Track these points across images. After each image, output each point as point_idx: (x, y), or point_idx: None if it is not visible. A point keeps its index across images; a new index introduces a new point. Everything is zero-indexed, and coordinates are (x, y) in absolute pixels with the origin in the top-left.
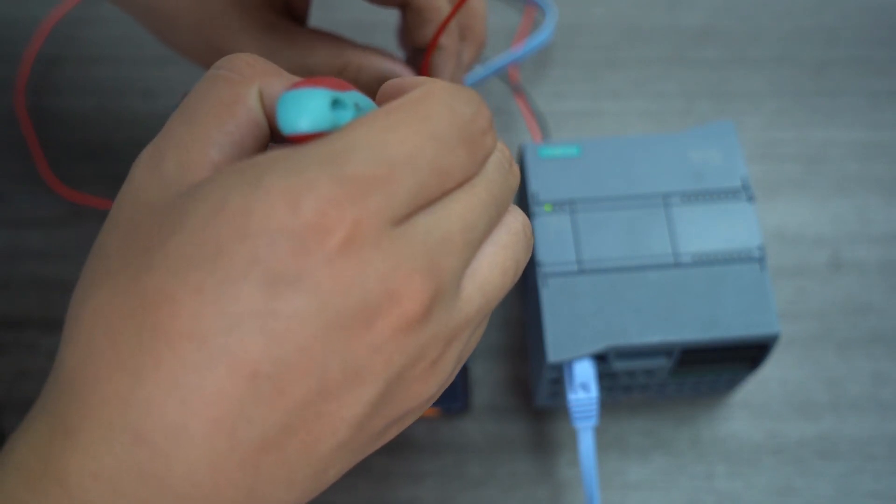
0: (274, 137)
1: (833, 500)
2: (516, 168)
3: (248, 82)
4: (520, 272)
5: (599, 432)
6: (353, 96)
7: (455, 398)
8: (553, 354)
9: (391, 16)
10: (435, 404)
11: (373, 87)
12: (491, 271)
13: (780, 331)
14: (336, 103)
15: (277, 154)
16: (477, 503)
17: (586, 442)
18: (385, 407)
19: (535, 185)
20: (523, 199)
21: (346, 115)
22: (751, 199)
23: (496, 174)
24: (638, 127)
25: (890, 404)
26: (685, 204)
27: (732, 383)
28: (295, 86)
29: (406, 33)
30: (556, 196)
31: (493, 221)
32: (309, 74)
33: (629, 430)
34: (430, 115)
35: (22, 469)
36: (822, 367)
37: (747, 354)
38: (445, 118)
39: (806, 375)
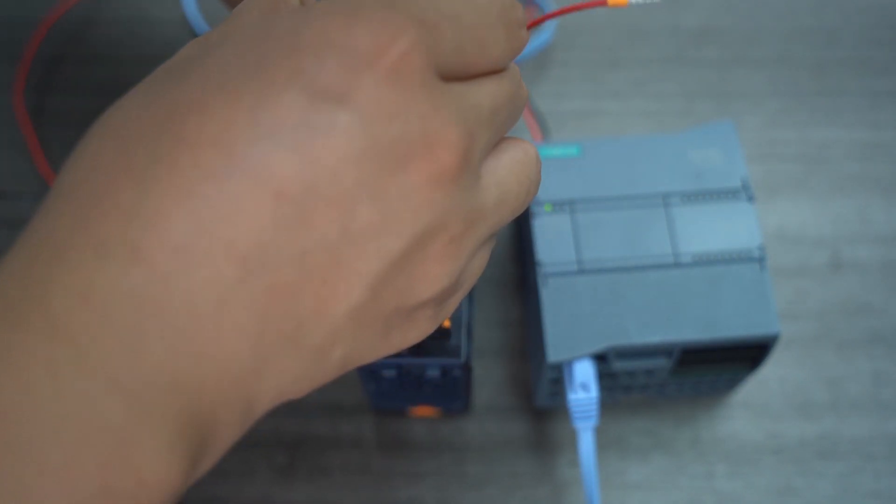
0: None
1: (833, 500)
2: (525, 88)
3: None
4: (532, 194)
5: (599, 432)
6: None
7: (456, 398)
8: (553, 354)
9: None
10: (436, 404)
11: None
12: (508, 175)
13: (780, 331)
14: None
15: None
16: (477, 503)
17: (586, 442)
18: (400, 277)
19: None
20: None
21: None
22: (751, 199)
23: (517, 79)
24: (638, 127)
25: (890, 404)
26: (685, 204)
27: (732, 383)
28: None
29: None
30: (556, 196)
31: (510, 122)
32: None
33: (629, 430)
34: None
35: None
36: (822, 367)
37: (747, 354)
38: None
39: (806, 375)
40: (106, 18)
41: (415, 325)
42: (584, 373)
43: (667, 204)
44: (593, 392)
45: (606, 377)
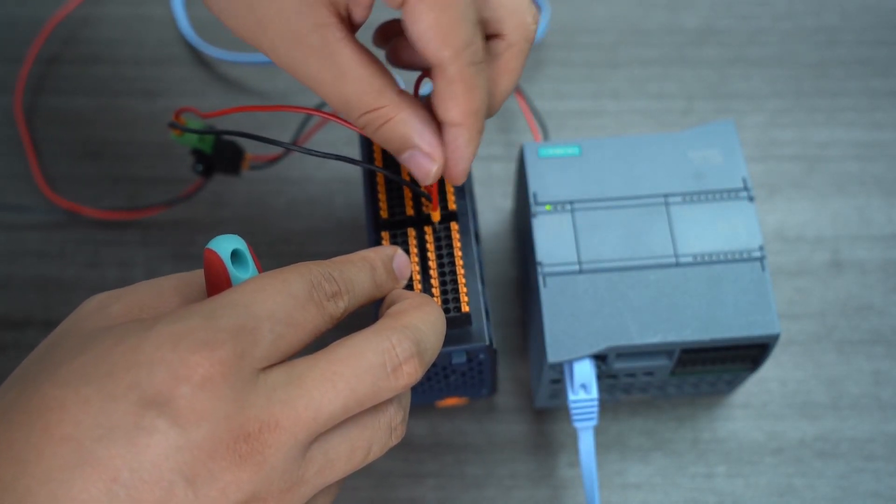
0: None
1: (833, 500)
2: (399, 423)
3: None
4: (371, 457)
5: (599, 432)
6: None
7: (482, 383)
8: (553, 355)
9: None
10: (463, 394)
11: (393, 143)
12: (340, 444)
13: (780, 331)
14: (237, 254)
15: (174, 310)
16: (477, 503)
17: (586, 442)
18: None
19: (535, 185)
20: (524, 199)
21: (245, 274)
22: (751, 198)
23: (371, 388)
24: (638, 127)
25: (890, 404)
26: (685, 204)
27: (732, 383)
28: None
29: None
30: (556, 196)
31: (348, 411)
32: (345, 102)
33: (629, 430)
34: (287, 280)
35: None
36: (822, 367)
37: (747, 354)
38: (300, 283)
39: (806, 375)
40: (106, 18)
41: None
42: (584, 373)
43: (667, 204)
44: (593, 392)
45: (606, 377)
